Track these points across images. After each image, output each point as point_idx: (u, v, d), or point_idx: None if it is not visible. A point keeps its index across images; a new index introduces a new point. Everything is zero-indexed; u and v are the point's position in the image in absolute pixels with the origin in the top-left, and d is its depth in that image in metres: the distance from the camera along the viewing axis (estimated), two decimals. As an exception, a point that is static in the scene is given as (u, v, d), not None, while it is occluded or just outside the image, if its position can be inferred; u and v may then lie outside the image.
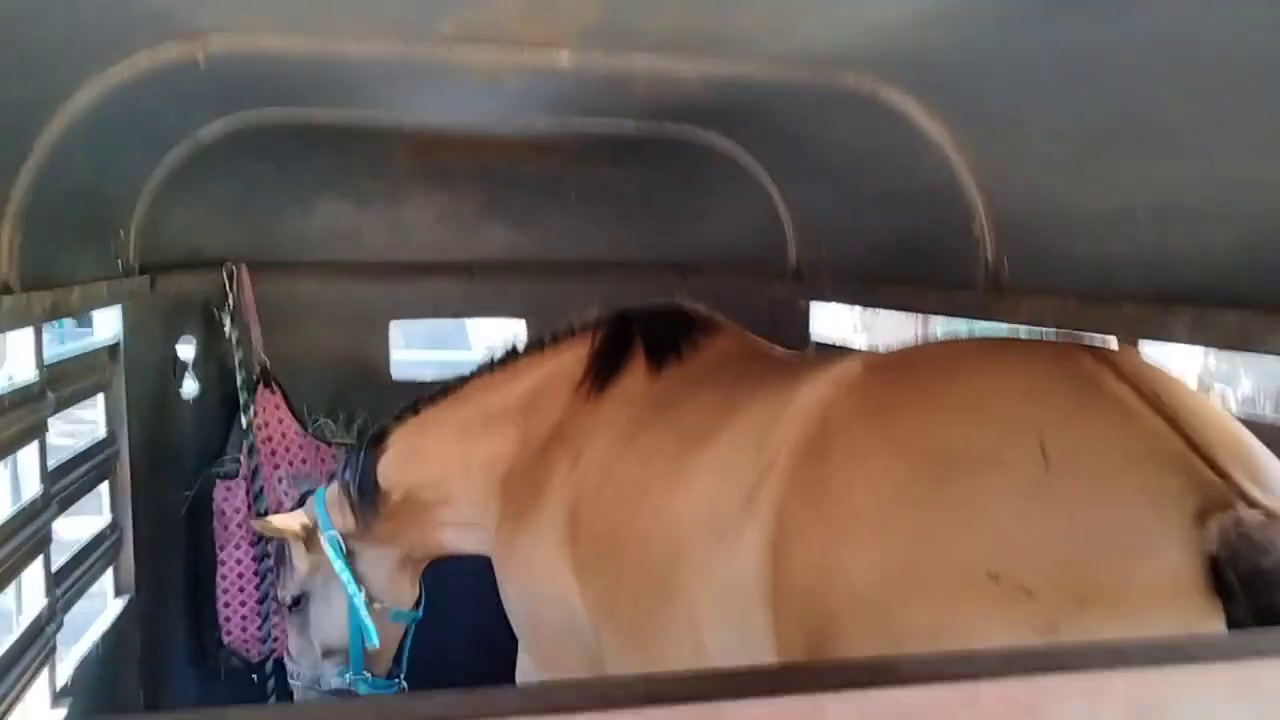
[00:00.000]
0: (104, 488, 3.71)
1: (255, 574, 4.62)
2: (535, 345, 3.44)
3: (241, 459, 4.58)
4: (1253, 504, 1.53)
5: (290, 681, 3.85)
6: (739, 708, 0.82)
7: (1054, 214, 2.81)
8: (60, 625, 2.96)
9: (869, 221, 3.84)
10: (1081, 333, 2.62)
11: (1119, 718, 0.88)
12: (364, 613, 3.43)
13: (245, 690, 4.76)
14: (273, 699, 4.71)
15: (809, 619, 1.86)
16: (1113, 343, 2.53)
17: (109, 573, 3.74)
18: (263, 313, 4.70)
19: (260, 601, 4.63)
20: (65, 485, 3.15)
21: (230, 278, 4.56)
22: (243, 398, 4.54)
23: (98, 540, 3.56)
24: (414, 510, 3.47)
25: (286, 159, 4.74)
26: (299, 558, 3.59)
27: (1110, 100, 2.42)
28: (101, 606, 3.74)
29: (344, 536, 3.46)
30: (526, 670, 3.13)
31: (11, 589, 2.72)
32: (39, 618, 2.81)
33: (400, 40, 2.67)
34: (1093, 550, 1.55)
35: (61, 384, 3.08)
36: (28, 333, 2.74)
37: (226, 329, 4.50)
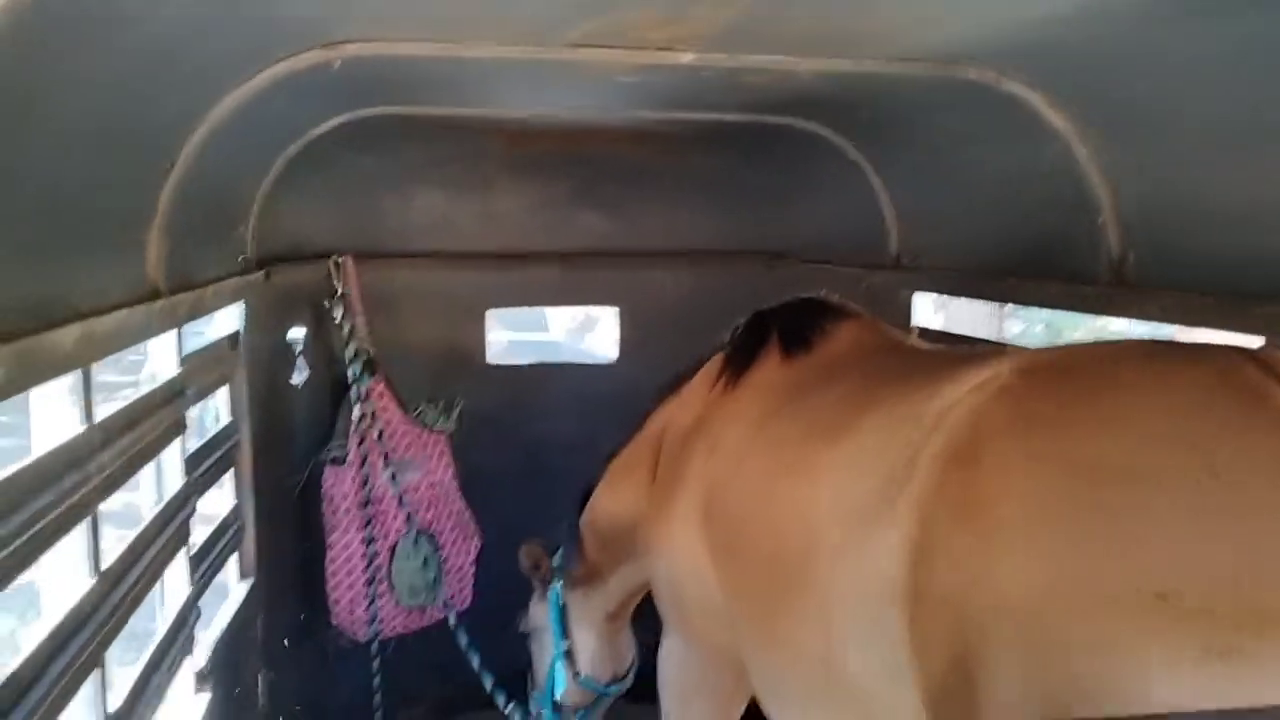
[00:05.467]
0: (228, 476, 3.83)
1: (363, 557, 4.73)
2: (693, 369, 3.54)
3: (351, 446, 4.68)
4: None
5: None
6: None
7: (1187, 209, 2.75)
8: (199, 616, 3.08)
9: (979, 213, 3.80)
10: (1219, 331, 2.57)
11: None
12: (559, 665, 3.90)
13: (353, 670, 4.90)
14: (377, 679, 4.85)
15: (952, 624, 1.87)
16: (1254, 342, 2.48)
17: (234, 558, 3.87)
18: (364, 303, 4.80)
19: (367, 584, 4.75)
20: (199, 476, 3.26)
21: (337, 269, 4.65)
22: (355, 388, 4.63)
23: (223, 527, 3.68)
24: (603, 550, 3.75)
25: (384, 152, 4.82)
26: (536, 597, 4.11)
27: (1251, 96, 2.37)
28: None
29: (565, 592, 3.90)
30: (673, 651, 3.22)
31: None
32: (182, 610, 2.92)
33: (528, 44, 2.70)
34: (1270, 569, 1.54)
35: (193, 379, 3.19)
36: (170, 332, 2.83)
37: (338, 319, 4.59)
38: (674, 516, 3.00)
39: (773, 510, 2.45)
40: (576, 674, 3.88)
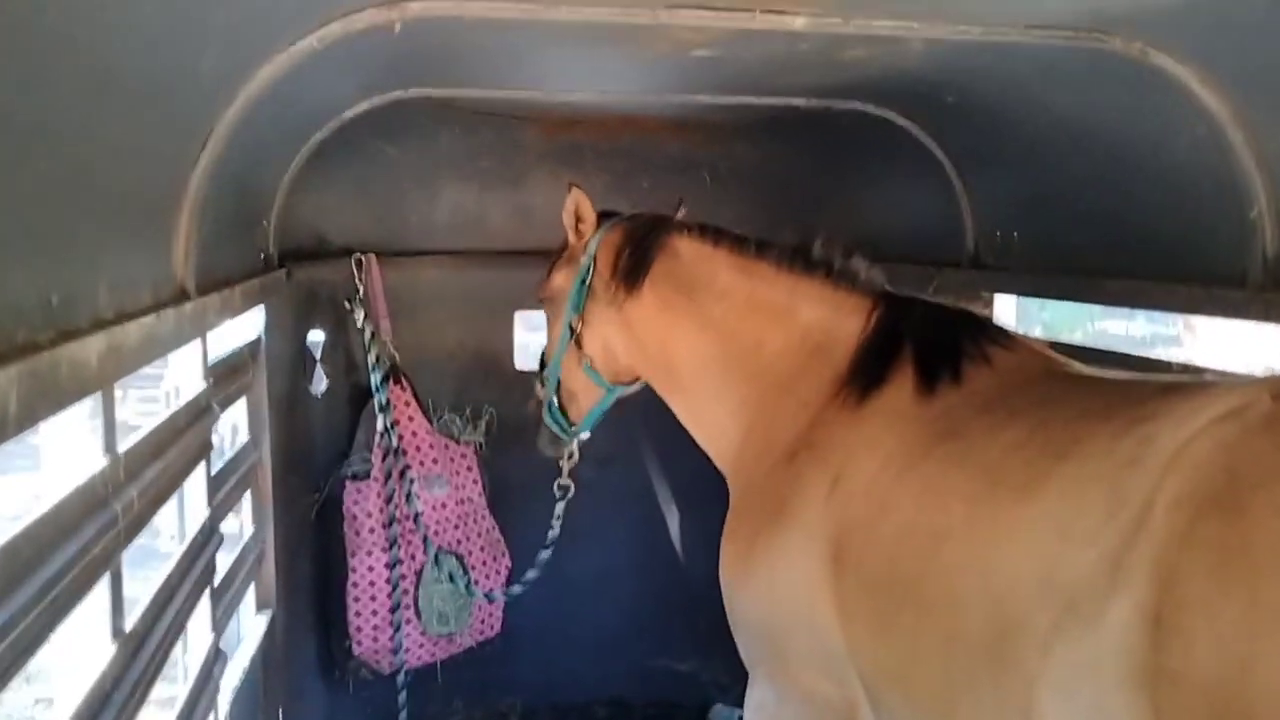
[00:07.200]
0: (245, 498, 3.43)
1: (388, 581, 4.33)
2: (821, 267, 2.95)
3: (374, 460, 4.29)
4: None
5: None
6: None
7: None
8: (225, 665, 2.67)
9: (1086, 206, 3.41)
10: None
11: None
12: (563, 343, 3.38)
13: (375, 704, 4.51)
14: (403, 714, 4.45)
15: (1220, 716, 1.50)
16: None
17: (250, 589, 3.46)
18: (387, 305, 4.41)
19: (393, 611, 4.35)
20: (220, 503, 2.86)
21: (360, 268, 4.26)
22: (379, 396, 4.23)
23: (242, 557, 3.27)
24: (653, 339, 3.21)
25: (414, 141, 4.43)
26: (560, 265, 3.48)
27: None
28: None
29: (595, 275, 3.27)
30: (764, 706, 2.70)
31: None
32: (207, 660, 2.51)
33: (617, 4, 2.32)
34: None
35: (217, 392, 2.79)
36: (196, 341, 2.43)
37: (359, 322, 4.20)
38: (776, 551, 2.56)
39: (944, 579, 2.06)
40: (582, 359, 3.35)
